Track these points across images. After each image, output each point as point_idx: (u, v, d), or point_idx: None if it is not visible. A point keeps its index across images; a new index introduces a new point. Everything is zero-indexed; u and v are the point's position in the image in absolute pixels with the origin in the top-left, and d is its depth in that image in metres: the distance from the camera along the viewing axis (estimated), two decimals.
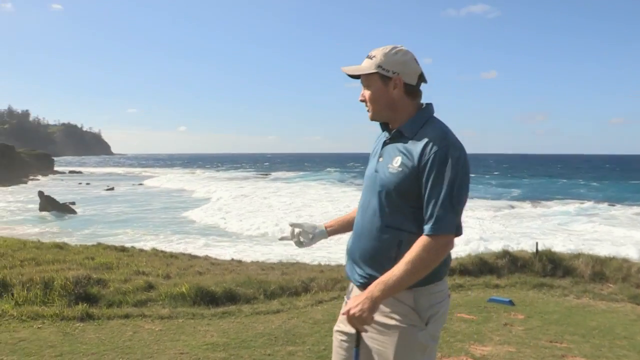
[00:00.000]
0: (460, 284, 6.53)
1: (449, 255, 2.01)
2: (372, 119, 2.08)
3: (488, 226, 23.61)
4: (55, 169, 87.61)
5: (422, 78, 2.02)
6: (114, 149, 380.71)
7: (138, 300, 5.49)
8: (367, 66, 2.00)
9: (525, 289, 6.46)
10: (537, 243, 7.51)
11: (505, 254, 7.27)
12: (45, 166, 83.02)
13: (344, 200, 36.53)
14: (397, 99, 2.00)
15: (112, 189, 52.84)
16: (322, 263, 10.12)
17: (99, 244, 10.78)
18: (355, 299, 1.85)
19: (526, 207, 35.42)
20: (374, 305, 1.81)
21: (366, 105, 2.05)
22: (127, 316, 4.90)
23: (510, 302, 5.76)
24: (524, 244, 13.50)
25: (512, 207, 35.40)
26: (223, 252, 16.21)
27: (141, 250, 10.73)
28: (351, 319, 1.83)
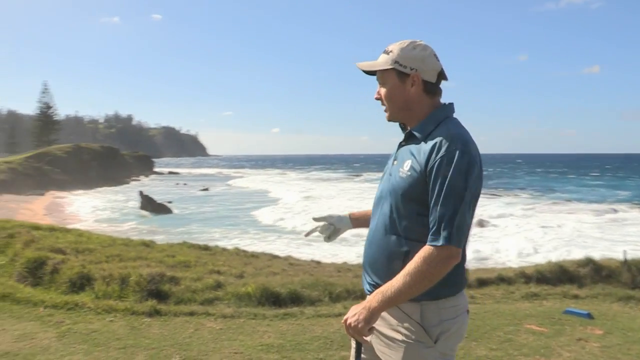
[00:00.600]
0: (536, 292, 6.20)
1: (464, 268, 1.88)
2: (390, 119, 1.98)
3: (583, 231, 22.32)
4: (155, 169, 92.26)
5: (442, 75, 1.91)
6: (209, 151, 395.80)
7: (206, 298, 5.66)
8: (382, 62, 1.89)
9: (608, 301, 6.02)
10: (624, 251, 6.98)
11: (588, 261, 6.83)
12: (146, 167, 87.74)
13: None
14: (415, 97, 1.89)
15: (207, 189, 54.97)
16: None
17: (184, 243, 11.19)
18: (353, 308, 1.78)
19: (631, 212, 32.98)
20: (370, 316, 1.73)
21: (382, 104, 1.96)
22: (192, 313, 5.06)
23: (589, 316, 5.38)
24: (615, 252, 12.66)
25: (615, 210, 33.01)
26: (310, 252, 16.42)
27: (224, 249, 11.01)
28: (347, 329, 1.77)
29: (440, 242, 1.70)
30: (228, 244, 16.36)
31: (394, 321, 1.82)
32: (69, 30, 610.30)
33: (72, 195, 47.77)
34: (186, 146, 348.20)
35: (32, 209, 35.06)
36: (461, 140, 1.77)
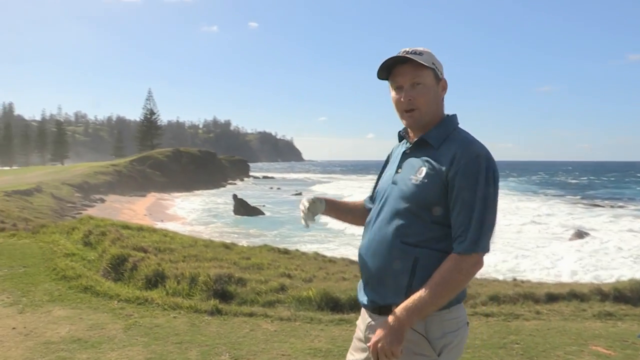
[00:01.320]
0: (611, 312, 5.84)
1: None
2: (415, 123, 1.88)
3: None
4: (250, 174, 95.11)
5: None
6: (304, 156, 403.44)
7: (268, 300, 5.83)
8: (422, 60, 1.81)
9: None
10: None
11: None
12: (242, 171, 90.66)
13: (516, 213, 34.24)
14: (441, 104, 1.90)
15: (300, 193, 55.91)
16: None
17: (265, 246, 11.49)
18: (379, 331, 1.71)
19: None
20: (402, 334, 1.68)
21: (408, 105, 1.85)
22: (251, 314, 5.24)
23: None
24: None
25: None
26: None
27: (303, 254, 11.15)
28: (378, 353, 1.69)
29: (470, 250, 1.70)
30: (312, 247, 16.61)
31: None
32: (172, 40, 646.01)
33: (171, 197, 50.32)
34: (281, 151, 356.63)
35: (134, 209, 37.27)
36: (479, 149, 1.78)
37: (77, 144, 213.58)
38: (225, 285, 6.09)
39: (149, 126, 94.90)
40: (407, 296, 1.74)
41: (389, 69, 1.88)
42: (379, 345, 1.68)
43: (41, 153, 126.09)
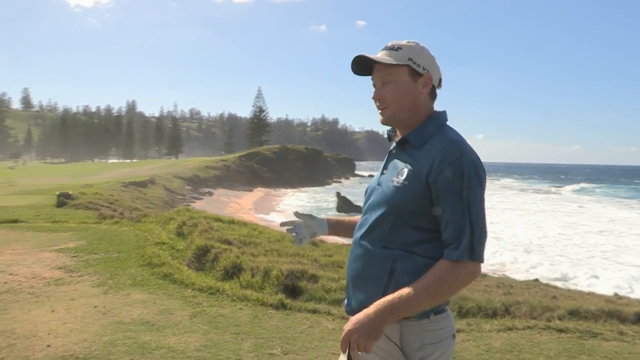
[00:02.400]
0: None
1: None
2: (387, 121, 1.82)
3: None
4: (356, 172, 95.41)
5: (440, 82, 1.84)
6: None
7: (335, 299, 5.85)
8: (395, 57, 1.76)
9: None
10: None
11: None
12: (348, 169, 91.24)
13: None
14: (422, 100, 1.78)
15: None
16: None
17: None
18: (355, 320, 1.61)
19: None
20: (379, 329, 1.59)
21: (380, 104, 1.80)
22: (314, 311, 5.29)
23: None
24: None
25: None
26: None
27: None
28: (349, 342, 1.59)
29: (465, 257, 1.61)
30: None
31: None
32: (281, 39, 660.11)
33: (277, 192, 51.87)
34: (388, 150, 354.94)
35: (240, 203, 38.80)
36: (464, 149, 1.68)
37: (191, 139, 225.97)
38: (296, 281, 6.19)
39: (258, 123, 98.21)
40: None
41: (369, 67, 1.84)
42: (354, 336, 1.58)
43: (158, 147, 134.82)
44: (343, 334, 1.62)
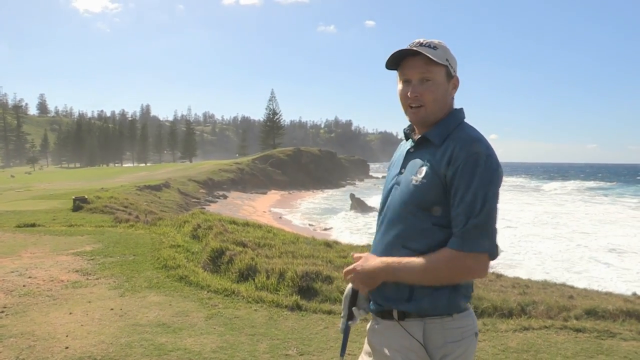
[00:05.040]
0: None
1: (472, 281, 1.77)
2: (419, 121, 1.79)
3: None
4: (370, 174, 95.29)
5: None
6: None
7: None
8: (435, 55, 1.73)
9: None
10: None
11: None
12: (362, 171, 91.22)
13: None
14: (449, 102, 1.80)
15: None
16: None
17: (369, 245, 11.42)
18: (362, 264, 1.76)
19: None
20: (374, 282, 1.73)
21: (414, 102, 1.76)
22: (329, 312, 5.28)
23: None
24: None
25: None
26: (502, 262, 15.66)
27: None
28: (348, 276, 1.78)
29: (470, 249, 1.61)
30: None
31: (394, 343, 1.72)
32: (291, 40, 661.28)
33: (290, 195, 51.88)
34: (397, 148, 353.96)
35: (254, 206, 38.90)
36: (480, 144, 1.67)
37: (205, 142, 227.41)
38: (310, 282, 6.20)
39: (271, 126, 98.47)
40: (408, 302, 1.70)
41: (398, 60, 1.80)
42: (354, 273, 1.77)
43: (172, 151, 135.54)
44: (350, 267, 1.79)
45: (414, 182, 1.72)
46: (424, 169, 1.71)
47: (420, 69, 1.74)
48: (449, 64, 1.76)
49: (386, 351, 1.73)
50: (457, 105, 1.85)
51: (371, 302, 1.85)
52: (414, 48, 1.75)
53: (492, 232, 1.64)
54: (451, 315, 1.71)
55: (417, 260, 1.65)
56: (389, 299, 1.75)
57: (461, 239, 1.62)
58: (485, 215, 1.61)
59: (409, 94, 1.76)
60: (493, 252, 1.64)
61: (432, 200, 1.68)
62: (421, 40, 1.77)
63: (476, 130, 1.76)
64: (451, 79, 1.79)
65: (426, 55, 1.72)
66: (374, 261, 1.74)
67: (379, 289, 1.80)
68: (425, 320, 1.69)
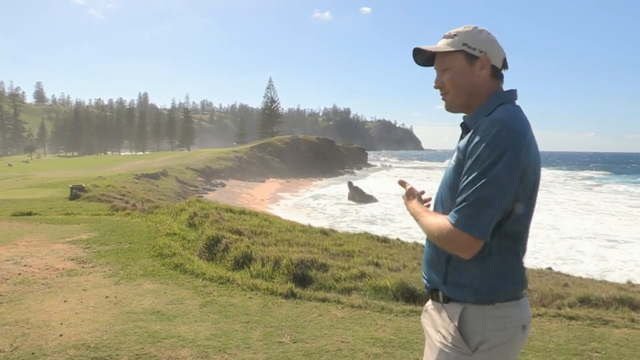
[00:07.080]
0: None
1: (522, 271, 1.74)
2: (449, 107, 1.86)
3: None
4: (369, 162, 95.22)
5: (505, 63, 1.82)
6: (424, 145, 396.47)
7: (345, 287, 5.87)
8: (448, 44, 1.80)
9: None
10: None
11: None
12: (360, 159, 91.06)
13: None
14: (482, 82, 1.78)
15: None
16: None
17: (365, 233, 11.44)
18: (407, 197, 1.99)
19: None
20: (408, 201, 1.97)
21: (441, 91, 1.85)
22: (324, 300, 5.31)
23: None
24: None
25: None
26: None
27: (402, 243, 10.96)
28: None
29: (458, 224, 1.61)
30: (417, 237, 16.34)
31: (438, 322, 1.77)
32: (287, 27, 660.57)
33: (288, 183, 51.88)
34: (401, 140, 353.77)
35: (252, 194, 38.93)
36: (502, 124, 1.63)
37: (203, 131, 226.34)
38: (306, 270, 6.22)
39: (269, 114, 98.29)
40: (445, 285, 1.74)
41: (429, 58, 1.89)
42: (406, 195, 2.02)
43: (170, 139, 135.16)
44: (404, 192, 2.06)
45: (449, 167, 1.79)
46: (455, 153, 1.76)
47: (439, 61, 1.84)
48: (468, 47, 1.77)
49: (430, 330, 1.81)
50: None
51: (425, 283, 1.90)
52: (415, 47, 1.85)
53: (482, 215, 1.59)
54: (493, 303, 1.69)
55: (432, 217, 1.74)
56: (433, 281, 1.82)
57: (455, 212, 1.63)
58: (483, 195, 1.59)
59: (433, 85, 1.88)
60: (479, 236, 1.59)
61: (457, 185, 1.69)
62: (447, 32, 1.85)
63: (510, 112, 1.72)
64: (476, 60, 1.78)
65: (439, 48, 1.82)
66: (410, 203, 1.94)
67: (427, 272, 1.87)
68: (465, 304, 1.70)
